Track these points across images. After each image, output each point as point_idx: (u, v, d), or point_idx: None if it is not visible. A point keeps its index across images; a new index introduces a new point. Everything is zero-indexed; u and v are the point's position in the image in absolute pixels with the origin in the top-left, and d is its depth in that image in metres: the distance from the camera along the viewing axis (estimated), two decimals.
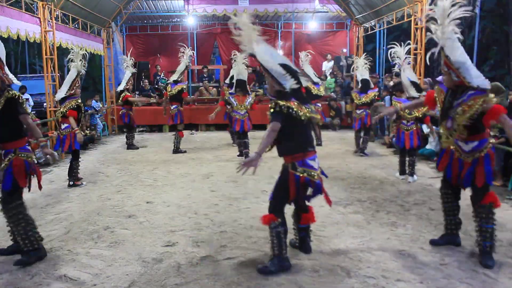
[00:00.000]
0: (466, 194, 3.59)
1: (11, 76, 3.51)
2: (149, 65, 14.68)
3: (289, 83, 3.13)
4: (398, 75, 6.56)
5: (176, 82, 8.59)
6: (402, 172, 6.39)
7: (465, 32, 18.75)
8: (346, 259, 3.45)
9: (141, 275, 3.23)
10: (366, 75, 8.29)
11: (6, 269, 3.36)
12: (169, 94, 8.64)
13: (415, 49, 8.78)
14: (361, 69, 8.32)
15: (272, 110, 3.12)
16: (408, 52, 6.13)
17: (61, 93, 6.04)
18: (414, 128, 6.16)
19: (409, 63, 6.17)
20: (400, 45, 5.98)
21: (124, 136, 10.12)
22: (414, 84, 6.06)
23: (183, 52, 8.64)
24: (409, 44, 6.07)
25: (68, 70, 7.01)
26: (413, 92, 6.06)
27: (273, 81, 3.15)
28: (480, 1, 13.72)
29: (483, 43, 16.57)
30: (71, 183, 6.14)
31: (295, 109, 3.08)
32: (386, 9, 10.32)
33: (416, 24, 8.76)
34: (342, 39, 14.94)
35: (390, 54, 6.00)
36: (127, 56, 9.75)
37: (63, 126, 5.99)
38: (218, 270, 3.31)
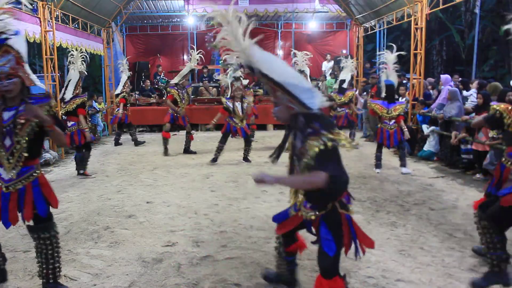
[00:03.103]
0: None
1: (33, 76, 2.94)
2: (149, 65, 14.67)
3: (318, 100, 2.27)
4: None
5: (176, 85, 8.31)
6: (378, 166, 6.71)
7: (465, 32, 18.78)
8: (346, 259, 3.44)
9: (141, 275, 3.23)
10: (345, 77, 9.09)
11: None
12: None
13: (415, 49, 8.79)
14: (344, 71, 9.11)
15: (317, 150, 2.11)
16: (395, 61, 6.66)
17: (69, 94, 6.40)
18: (397, 127, 6.50)
19: (394, 69, 6.65)
20: (400, 45, 6.12)
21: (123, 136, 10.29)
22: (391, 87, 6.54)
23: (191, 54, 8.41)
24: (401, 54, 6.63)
25: (68, 71, 7.04)
26: None
27: (291, 100, 2.24)
28: (480, 1, 13.73)
29: (483, 43, 16.58)
30: (81, 171, 6.60)
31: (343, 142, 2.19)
32: (386, 9, 10.32)
33: (416, 24, 8.75)
34: (342, 39, 14.93)
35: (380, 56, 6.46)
36: (124, 59, 9.75)
37: (69, 124, 6.28)
38: (218, 270, 3.30)
